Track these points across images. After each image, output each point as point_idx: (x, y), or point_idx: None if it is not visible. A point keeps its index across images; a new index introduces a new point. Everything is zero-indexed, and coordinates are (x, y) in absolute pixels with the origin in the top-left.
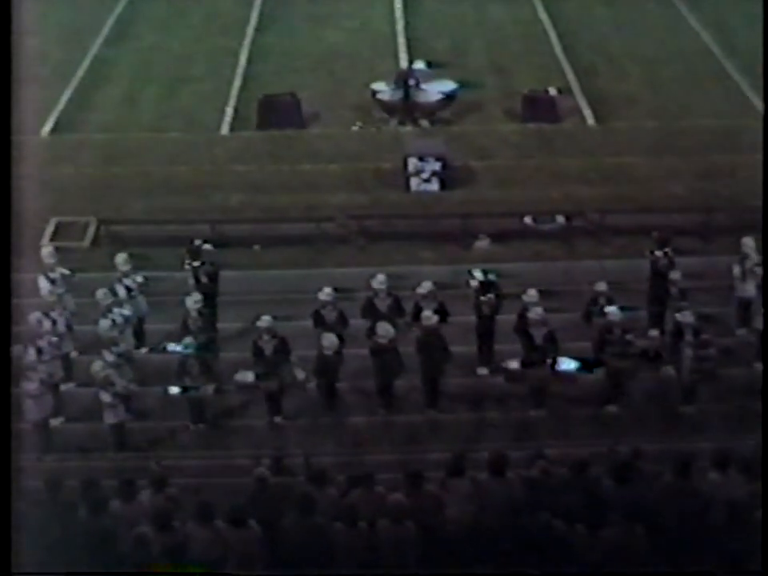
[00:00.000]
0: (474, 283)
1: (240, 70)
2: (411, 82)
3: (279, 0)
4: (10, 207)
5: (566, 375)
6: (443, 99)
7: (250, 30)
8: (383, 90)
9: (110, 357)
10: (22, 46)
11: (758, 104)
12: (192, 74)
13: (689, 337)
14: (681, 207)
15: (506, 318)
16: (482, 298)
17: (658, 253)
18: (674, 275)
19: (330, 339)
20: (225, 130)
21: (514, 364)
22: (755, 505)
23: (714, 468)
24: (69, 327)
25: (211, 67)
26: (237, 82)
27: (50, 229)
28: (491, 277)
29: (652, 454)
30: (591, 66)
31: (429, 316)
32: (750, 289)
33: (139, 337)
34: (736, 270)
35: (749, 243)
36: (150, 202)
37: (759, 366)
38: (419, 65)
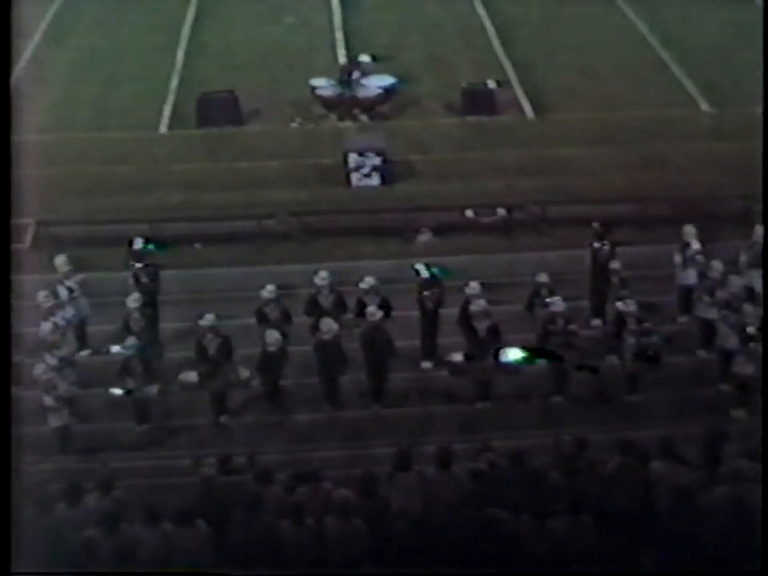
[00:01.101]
0: (418, 278)
1: (177, 68)
2: (356, 75)
3: None
4: (9, 210)
5: (510, 367)
6: (382, 94)
7: (186, 28)
8: (322, 85)
9: (52, 360)
10: None
11: (695, 93)
12: (129, 73)
13: (631, 325)
14: (620, 197)
15: (449, 312)
16: (425, 292)
17: (598, 244)
18: (614, 265)
19: (273, 336)
20: (163, 128)
21: (457, 357)
22: (700, 491)
23: (660, 455)
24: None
25: (148, 66)
26: (174, 80)
27: None
28: (435, 272)
29: (598, 443)
30: (529, 59)
31: (373, 312)
32: (690, 276)
33: (81, 339)
34: (677, 258)
35: (689, 231)
36: (88, 202)
37: (702, 352)
38: (364, 58)
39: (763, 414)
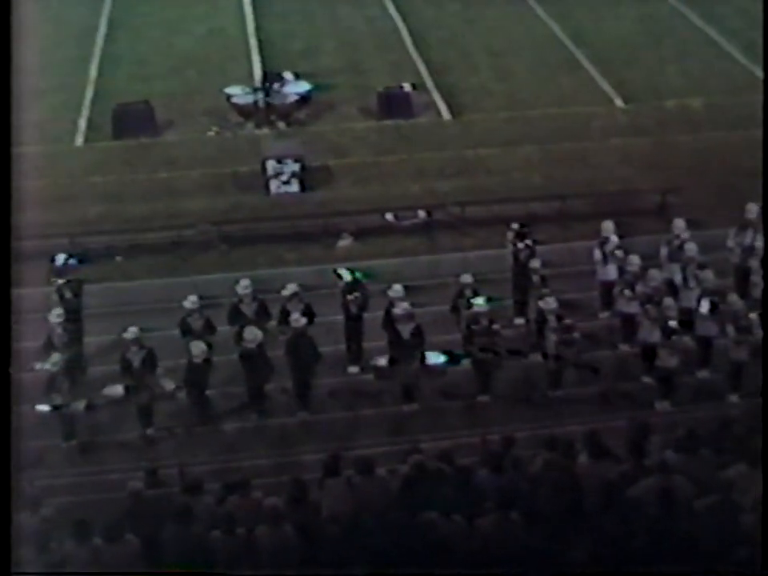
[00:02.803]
0: (341, 283)
1: (91, 80)
2: (275, 85)
3: (127, 7)
4: (9, 218)
5: (435, 369)
6: (298, 100)
7: (99, 39)
8: (237, 93)
9: None
10: None
11: (609, 90)
12: (42, 86)
13: (552, 323)
14: (539, 195)
15: (374, 315)
16: (349, 296)
17: (520, 244)
18: (534, 263)
19: (198, 347)
20: (79, 141)
21: (382, 361)
22: (627, 485)
23: (585, 450)
24: None
25: (62, 78)
26: (89, 93)
27: None
28: (359, 276)
29: (524, 441)
30: (443, 61)
31: (297, 318)
32: (611, 272)
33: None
34: (597, 253)
35: (608, 227)
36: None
37: (625, 347)
38: (288, 76)
39: (763, 413)
